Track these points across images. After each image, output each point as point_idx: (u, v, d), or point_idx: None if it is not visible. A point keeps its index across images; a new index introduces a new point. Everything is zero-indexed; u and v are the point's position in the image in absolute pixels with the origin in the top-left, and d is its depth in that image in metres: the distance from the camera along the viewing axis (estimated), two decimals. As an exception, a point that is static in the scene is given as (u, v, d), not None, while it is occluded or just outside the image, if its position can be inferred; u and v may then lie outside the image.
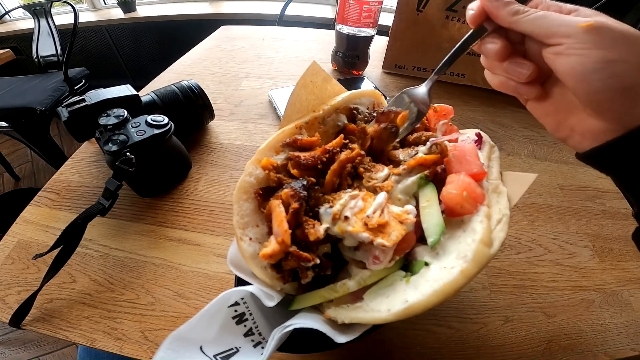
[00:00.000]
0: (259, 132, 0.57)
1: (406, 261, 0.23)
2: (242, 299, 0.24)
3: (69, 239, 0.35)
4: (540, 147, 0.59)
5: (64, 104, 0.43)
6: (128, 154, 0.38)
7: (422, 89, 0.30)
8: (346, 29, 0.66)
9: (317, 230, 0.21)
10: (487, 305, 0.38)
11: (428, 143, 0.26)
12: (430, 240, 0.22)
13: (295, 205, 0.21)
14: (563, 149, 0.60)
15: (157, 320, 0.34)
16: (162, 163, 0.43)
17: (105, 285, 0.37)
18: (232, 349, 0.22)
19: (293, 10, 1.41)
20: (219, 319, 0.23)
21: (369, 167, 0.25)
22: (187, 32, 1.83)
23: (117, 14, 1.91)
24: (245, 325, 0.24)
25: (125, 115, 0.41)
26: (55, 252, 0.35)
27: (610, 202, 0.51)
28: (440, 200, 0.23)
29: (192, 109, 0.50)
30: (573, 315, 0.38)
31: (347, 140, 0.26)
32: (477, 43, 0.26)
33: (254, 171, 0.24)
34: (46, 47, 1.59)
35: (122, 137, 0.39)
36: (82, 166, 0.50)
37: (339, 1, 0.65)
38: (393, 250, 0.21)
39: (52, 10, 1.58)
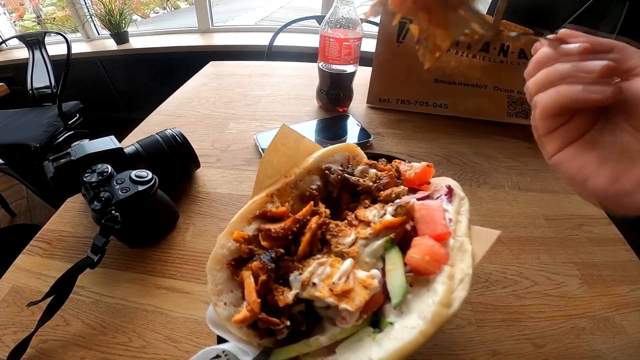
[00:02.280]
0: (245, 180, 0.58)
1: (376, 317, 0.24)
2: (224, 351, 0.25)
3: (61, 289, 0.37)
4: (524, 177, 0.60)
5: (50, 158, 0.44)
6: (113, 212, 0.38)
7: None
8: (327, 67, 0.68)
9: (286, 297, 0.23)
10: (473, 341, 0.38)
11: (395, 204, 0.26)
12: (393, 302, 0.23)
13: (263, 277, 0.23)
14: (547, 177, 0.61)
15: None
16: (148, 217, 0.44)
17: (98, 329, 0.38)
18: None
19: (282, 40, 1.45)
20: None
21: (335, 233, 0.26)
22: (180, 63, 1.88)
23: (111, 45, 1.96)
24: None
25: (109, 171, 0.42)
26: (49, 299, 0.36)
27: (597, 229, 0.52)
28: (405, 263, 0.24)
29: (176, 158, 0.51)
30: (563, 344, 0.38)
31: (317, 207, 0.27)
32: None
33: (226, 243, 0.25)
34: (40, 79, 1.63)
35: (107, 194, 0.39)
36: (72, 216, 0.51)
37: (319, 39, 0.67)
38: (358, 313, 0.22)
39: (46, 40, 1.61)
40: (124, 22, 1.91)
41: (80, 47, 1.96)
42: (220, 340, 0.27)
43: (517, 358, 0.36)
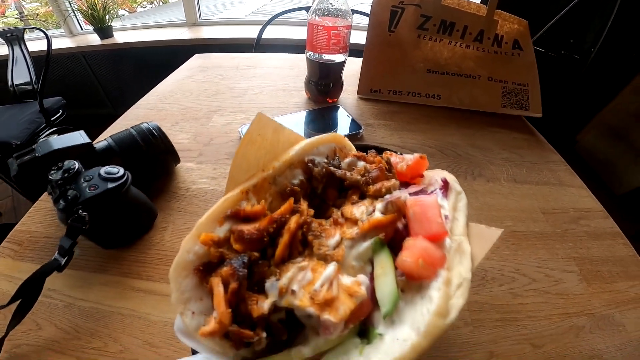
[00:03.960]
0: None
1: (364, 326, 0.22)
2: None
3: (28, 293, 0.34)
4: (519, 169, 0.58)
5: (14, 155, 0.41)
6: (80, 211, 0.35)
7: None
8: (316, 56, 0.65)
9: (261, 306, 0.20)
10: (469, 342, 0.36)
11: (385, 200, 0.24)
12: (383, 310, 0.20)
13: (234, 285, 0.20)
14: (543, 169, 0.59)
15: None
16: (121, 216, 0.41)
17: (72, 333, 0.36)
18: None
19: (271, 33, 1.41)
20: None
21: (318, 233, 0.23)
22: (167, 57, 1.82)
23: (94, 40, 1.90)
24: None
25: (76, 168, 0.38)
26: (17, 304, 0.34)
27: (594, 222, 0.51)
28: (396, 267, 0.21)
29: (152, 154, 0.47)
30: (562, 343, 0.36)
31: (298, 204, 0.24)
32: None
33: (192, 247, 0.22)
34: (21, 75, 1.58)
35: (73, 193, 0.36)
36: (44, 216, 0.48)
37: (307, 28, 0.64)
38: (343, 324, 0.20)
39: (27, 36, 1.56)
40: (107, 16, 1.85)
41: (62, 43, 1.89)
42: (195, 352, 0.24)
43: (515, 359, 0.35)
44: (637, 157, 1.18)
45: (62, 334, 0.35)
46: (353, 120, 0.64)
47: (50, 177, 0.38)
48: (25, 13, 2.54)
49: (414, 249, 0.21)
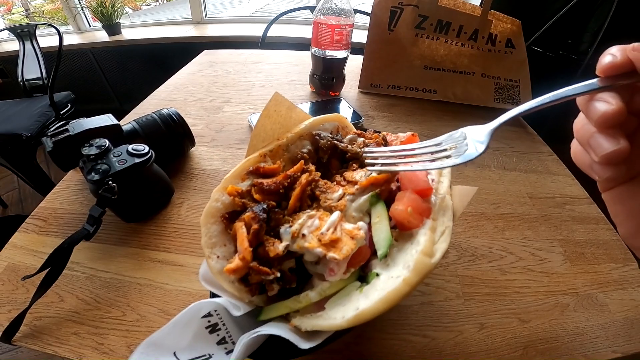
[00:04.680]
0: (240, 158, 0.59)
1: (363, 273, 0.26)
2: (216, 310, 0.26)
3: (56, 262, 0.37)
4: (509, 158, 0.62)
5: (48, 134, 0.45)
6: (110, 182, 0.39)
7: (483, 129, 0.25)
8: (320, 52, 0.70)
9: (276, 247, 0.24)
10: (461, 313, 0.39)
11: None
12: (379, 252, 0.24)
13: (255, 226, 0.24)
14: (532, 159, 0.63)
15: (143, 335, 0.35)
16: (144, 190, 0.45)
17: (92, 304, 0.38)
18: (205, 355, 0.24)
19: (275, 31, 1.46)
20: (192, 328, 0.25)
21: (324, 189, 0.27)
22: (173, 54, 1.87)
23: (102, 36, 1.94)
24: (218, 335, 0.26)
25: (107, 145, 0.42)
26: (44, 273, 0.36)
27: (579, 208, 0.54)
28: (390, 217, 0.25)
29: (172, 136, 0.52)
30: (548, 320, 0.39)
31: (307, 166, 0.29)
32: (584, 94, 0.19)
33: (220, 197, 0.27)
34: (31, 70, 1.61)
35: (104, 166, 0.40)
36: (69, 194, 0.52)
37: (312, 26, 0.69)
38: (346, 263, 0.23)
39: (37, 33, 1.59)
40: (116, 13, 1.89)
41: (70, 39, 1.93)
42: (214, 297, 0.27)
43: (503, 332, 0.37)
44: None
45: (82, 305, 0.38)
46: (354, 111, 0.69)
47: (83, 152, 0.42)
48: (32, 10, 2.57)
49: (404, 199, 0.25)
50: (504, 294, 0.41)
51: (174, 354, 0.24)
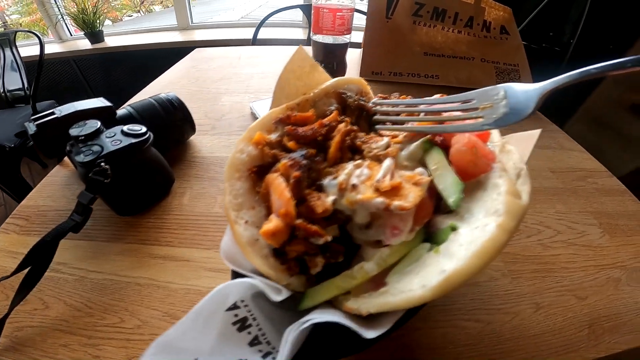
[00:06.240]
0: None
1: (427, 234, 0.20)
2: (243, 301, 0.20)
3: (38, 259, 0.31)
4: (521, 135, 0.61)
5: (31, 118, 0.40)
6: (102, 164, 0.34)
7: (531, 88, 0.21)
8: (322, 38, 0.67)
9: (324, 201, 0.19)
10: (512, 293, 0.35)
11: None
12: (450, 200, 0.19)
13: (296, 174, 0.19)
14: (543, 135, 0.60)
15: (146, 344, 0.29)
16: (141, 176, 0.40)
17: (83, 310, 0.32)
18: None
19: (265, 34, 1.44)
20: (216, 324, 0.19)
21: (366, 140, 0.23)
22: (159, 60, 1.80)
23: (85, 44, 1.86)
24: (249, 333, 0.20)
25: (98, 126, 0.38)
26: (23, 274, 0.31)
27: (601, 181, 0.52)
28: (450, 163, 0.21)
29: (171, 122, 0.47)
30: (605, 295, 0.36)
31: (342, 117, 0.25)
32: None
33: (245, 148, 0.22)
34: (12, 80, 1.53)
35: (95, 147, 0.36)
36: (54, 190, 0.46)
37: (312, 12, 0.66)
38: (412, 216, 0.19)
39: (17, 43, 1.53)
40: (98, 21, 1.84)
41: (52, 48, 1.84)
42: (237, 277, 0.21)
43: (563, 311, 0.34)
44: (625, 144, 1.22)
45: (72, 312, 0.32)
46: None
47: (71, 133, 0.37)
48: (9, 22, 2.51)
49: (464, 140, 0.20)
50: (552, 270, 0.38)
51: None
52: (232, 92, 0.71)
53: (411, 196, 0.18)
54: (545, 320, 0.33)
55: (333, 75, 0.74)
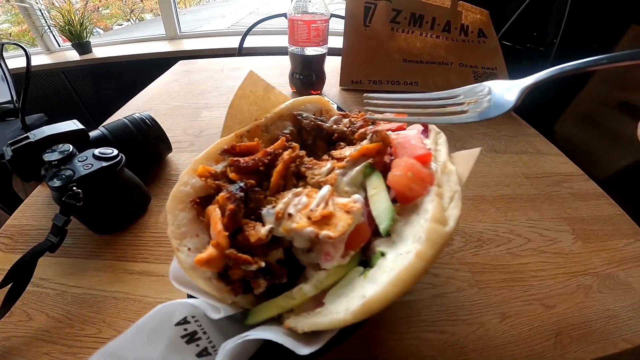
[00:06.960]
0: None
1: (365, 257, 0.22)
2: (194, 316, 0.22)
3: (19, 276, 0.33)
4: (498, 141, 0.62)
5: (8, 142, 0.41)
6: (75, 188, 0.35)
7: (514, 84, 0.22)
8: (298, 50, 0.68)
9: (258, 231, 0.20)
10: (478, 303, 0.35)
11: (370, 133, 0.25)
12: (382, 227, 0.20)
13: (231, 206, 0.20)
14: (520, 141, 0.62)
15: None
16: (114, 197, 0.41)
17: (64, 321, 0.34)
18: None
19: (252, 42, 1.45)
20: (164, 337, 0.21)
21: (310, 166, 0.24)
22: (148, 70, 1.80)
23: (73, 56, 1.86)
24: (197, 345, 0.21)
25: (70, 150, 0.39)
26: (6, 290, 0.33)
27: (577, 185, 0.53)
28: (389, 188, 0.22)
29: (146, 141, 0.48)
30: (574, 303, 0.36)
31: (290, 143, 0.26)
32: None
33: (189, 180, 0.23)
34: (1, 93, 1.53)
35: (68, 172, 0.37)
36: (36, 209, 0.48)
37: (287, 24, 0.67)
38: (343, 244, 0.20)
39: (5, 55, 1.52)
40: (85, 32, 1.84)
41: (40, 60, 1.84)
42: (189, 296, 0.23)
43: (529, 320, 0.34)
44: (614, 141, 1.23)
45: (53, 323, 0.34)
46: (338, 107, 0.67)
47: (44, 158, 0.38)
48: (-1, 32, 2.50)
49: (402, 165, 0.21)
50: (521, 279, 0.38)
51: None
52: (212, 107, 0.71)
53: (340, 225, 0.19)
54: (511, 330, 0.33)
55: (312, 86, 0.75)
